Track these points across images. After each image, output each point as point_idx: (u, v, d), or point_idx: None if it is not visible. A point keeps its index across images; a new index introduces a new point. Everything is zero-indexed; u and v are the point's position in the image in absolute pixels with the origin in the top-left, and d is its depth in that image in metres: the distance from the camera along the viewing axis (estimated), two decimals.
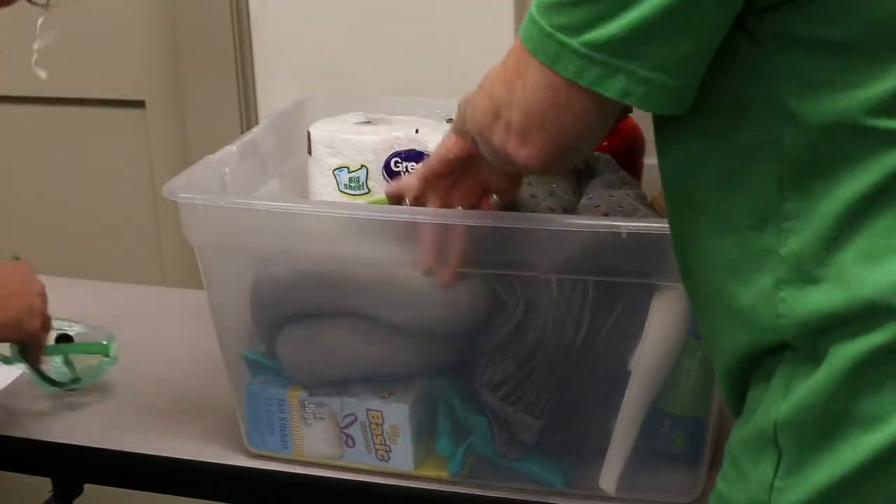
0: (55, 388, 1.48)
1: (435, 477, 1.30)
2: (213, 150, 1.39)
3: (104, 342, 1.50)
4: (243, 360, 1.35)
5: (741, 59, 0.86)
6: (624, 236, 1.12)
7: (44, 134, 2.38)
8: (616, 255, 1.15)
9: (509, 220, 1.20)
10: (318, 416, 1.31)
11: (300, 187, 1.47)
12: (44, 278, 1.85)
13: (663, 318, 1.18)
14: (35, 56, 1.29)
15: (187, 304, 1.72)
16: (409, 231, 1.22)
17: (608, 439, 1.23)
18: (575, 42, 0.85)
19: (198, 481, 1.39)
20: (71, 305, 1.72)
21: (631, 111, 1.41)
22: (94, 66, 2.21)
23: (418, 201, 1.21)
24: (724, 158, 0.89)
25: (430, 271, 1.22)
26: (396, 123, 1.48)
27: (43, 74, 1.30)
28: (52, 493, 1.66)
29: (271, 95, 2.04)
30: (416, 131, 1.41)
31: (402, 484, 1.30)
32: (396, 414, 1.28)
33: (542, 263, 1.18)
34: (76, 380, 1.49)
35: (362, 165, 1.40)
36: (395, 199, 1.23)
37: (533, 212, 1.23)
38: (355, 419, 1.30)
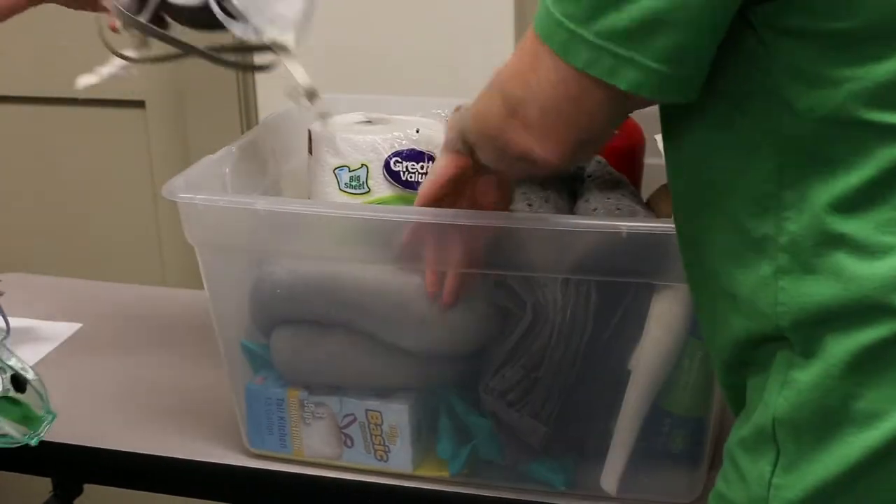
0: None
1: (435, 477, 1.30)
2: (213, 150, 1.39)
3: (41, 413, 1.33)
4: (242, 355, 1.35)
5: (744, 51, 0.86)
6: (624, 236, 1.12)
7: (44, 134, 2.38)
8: (616, 255, 1.15)
9: (510, 221, 1.20)
10: (318, 415, 1.31)
11: (300, 187, 1.46)
12: (44, 278, 1.85)
13: (663, 318, 1.18)
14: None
15: (187, 304, 1.72)
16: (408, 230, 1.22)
17: (609, 439, 1.23)
18: (586, 31, 0.85)
19: (197, 481, 1.39)
20: (71, 305, 1.72)
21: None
22: (94, 67, 2.21)
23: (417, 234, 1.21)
24: (729, 149, 0.89)
25: (436, 294, 1.22)
26: (397, 123, 1.48)
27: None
28: (52, 493, 1.66)
29: (271, 95, 2.04)
30: (417, 131, 1.41)
31: (401, 484, 1.30)
32: (396, 414, 1.28)
33: (542, 265, 1.18)
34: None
35: (363, 165, 1.40)
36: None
37: None
38: (354, 419, 1.30)
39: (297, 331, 1.30)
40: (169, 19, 1.31)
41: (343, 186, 1.40)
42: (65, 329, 1.65)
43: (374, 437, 1.29)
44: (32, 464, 1.47)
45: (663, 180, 1.30)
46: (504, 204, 1.21)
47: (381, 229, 1.24)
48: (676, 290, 1.17)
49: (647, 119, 1.41)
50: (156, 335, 1.64)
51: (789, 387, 0.86)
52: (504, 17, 1.96)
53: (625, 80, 0.85)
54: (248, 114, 2.13)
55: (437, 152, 1.39)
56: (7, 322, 1.60)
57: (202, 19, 1.28)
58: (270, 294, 1.29)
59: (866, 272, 0.83)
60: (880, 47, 0.82)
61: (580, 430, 1.25)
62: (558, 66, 0.87)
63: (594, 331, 1.20)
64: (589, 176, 1.29)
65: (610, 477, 1.24)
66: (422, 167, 1.39)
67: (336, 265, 1.25)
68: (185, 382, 1.52)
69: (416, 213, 1.26)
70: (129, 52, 1.31)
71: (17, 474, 1.53)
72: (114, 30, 1.30)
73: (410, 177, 1.40)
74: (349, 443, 1.31)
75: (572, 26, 0.86)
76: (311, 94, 1.28)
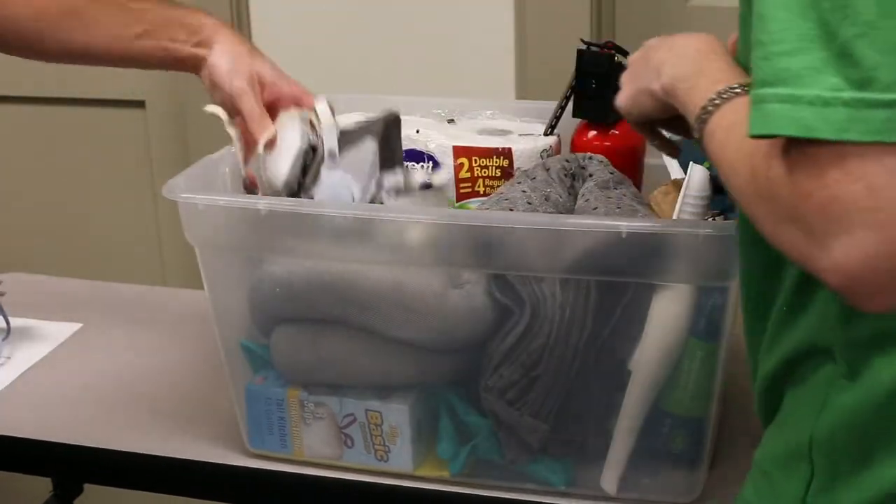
0: None
1: (435, 477, 1.30)
2: (213, 150, 1.39)
3: None
4: (242, 355, 1.35)
5: None
6: (624, 236, 1.12)
7: (44, 134, 2.38)
8: (616, 255, 1.15)
9: (510, 220, 1.20)
10: (318, 416, 1.31)
11: None
12: (44, 278, 1.85)
13: (663, 319, 1.18)
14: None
15: (187, 304, 1.72)
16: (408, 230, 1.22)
17: (609, 439, 1.23)
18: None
19: (197, 481, 1.39)
20: (71, 305, 1.72)
21: None
22: (95, 67, 2.21)
23: None
24: None
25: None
26: None
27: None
28: (52, 493, 1.66)
29: None
30: (417, 131, 1.41)
31: (401, 484, 1.30)
32: (396, 415, 1.28)
33: (542, 264, 1.18)
34: None
35: None
36: None
37: None
38: (354, 419, 1.30)
39: (297, 330, 1.30)
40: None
41: None
42: (65, 329, 1.65)
43: (374, 437, 1.29)
44: (32, 464, 1.47)
45: (663, 180, 1.31)
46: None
47: (381, 229, 1.24)
48: (676, 290, 1.17)
49: None
50: (156, 335, 1.64)
51: (829, 409, 0.85)
52: (504, 17, 1.96)
53: None
54: None
55: (437, 152, 1.39)
56: (7, 322, 1.61)
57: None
58: (270, 293, 1.29)
59: None
60: None
61: (580, 429, 1.25)
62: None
63: (594, 330, 1.20)
64: (590, 175, 1.29)
65: (610, 477, 1.24)
66: (422, 167, 1.39)
67: (334, 263, 1.25)
68: (185, 382, 1.52)
69: (415, 213, 1.26)
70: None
71: (17, 474, 1.53)
72: (250, 179, 1.33)
73: None
74: (349, 443, 1.31)
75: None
76: None
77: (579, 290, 1.18)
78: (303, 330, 1.30)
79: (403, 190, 1.31)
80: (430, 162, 1.39)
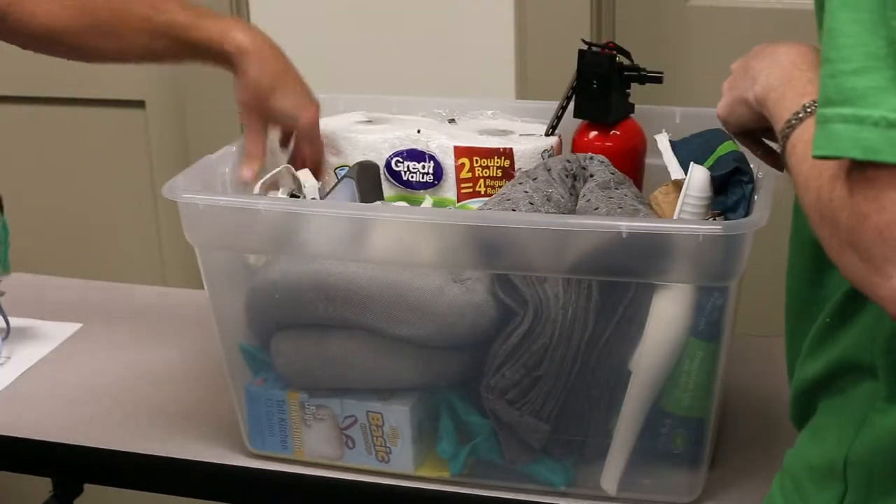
0: None
1: (436, 477, 1.30)
2: (213, 150, 1.39)
3: None
4: (242, 357, 1.35)
5: None
6: (625, 236, 1.12)
7: (44, 134, 2.38)
8: (617, 255, 1.15)
9: (511, 220, 1.20)
10: (318, 417, 1.31)
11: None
12: (44, 278, 1.85)
13: (663, 319, 1.18)
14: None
15: (187, 304, 1.72)
16: (408, 230, 1.22)
17: (609, 439, 1.23)
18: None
19: (198, 481, 1.39)
20: (71, 305, 1.72)
21: (633, 111, 1.41)
22: (95, 67, 2.21)
23: None
24: None
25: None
26: (397, 123, 1.48)
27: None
28: (52, 493, 1.66)
29: None
30: (418, 131, 1.41)
31: (402, 484, 1.30)
32: (397, 415, 1.28)
33: (543, 264, 1.18)
34: None
35: None
36: None
37: None
38: (355, 420, 1.30)
39: (298, 335, 1.29)
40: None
41: None
42: (65, 329, 1.65)
43: (375, 438, 1.29)
44: (32, 464, 1.47)
45: (664, 180, 1.31)
46: None
47: (381, 229, 1.24)
48: (677, 290, 1.17)
49: (649, 119, 1.42)
50: (156, 335, 1.64)
51: (868, 430, 0.84)
52: (504, 17, 1.96)
53: None
54: None
55: (438, 152, 1.39)
56: (7, 322, 1.61)
57: None
58: (268, 299, 1.29)
59: None
60: None
61: (580, 429, 1.25)
62: None
63: (595, 330, 1.20)
64: (591, 176, 1.29)
65: (610, 477, 1.24)
66: (423, 167, 1.39)
67: (331, 263, 1.25)
68: (186, 382, 1.52)
69: (416, 213, 1.26)
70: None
71: (17, 474, 1.53)
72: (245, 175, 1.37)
73: (412, 176, 1.40)
74: (350, 444, 1.31)
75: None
76: None
77: (581, 291, 1.18)
78: (303, 335, 1.29)
79: None
80: (431, 162, 1.39)
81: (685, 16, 1.97)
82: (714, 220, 1.23)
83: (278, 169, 1.38)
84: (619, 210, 1.22)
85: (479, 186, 1.39)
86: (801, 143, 0.82)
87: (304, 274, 1.26)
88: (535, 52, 1.96)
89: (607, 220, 1.18)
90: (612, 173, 1.29)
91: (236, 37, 1.35)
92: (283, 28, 2.05)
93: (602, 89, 1.37)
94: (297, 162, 1.40)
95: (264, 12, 2.06)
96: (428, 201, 1.39)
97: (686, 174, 1.24)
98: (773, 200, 1.15)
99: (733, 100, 0.99)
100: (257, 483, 1.36)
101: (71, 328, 1.65)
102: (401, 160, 1.40)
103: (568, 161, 1.31)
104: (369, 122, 1.49)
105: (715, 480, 1.28)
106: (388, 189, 1.41)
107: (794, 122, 0.84)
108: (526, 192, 1.25)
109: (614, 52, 1.38)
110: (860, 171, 0.70)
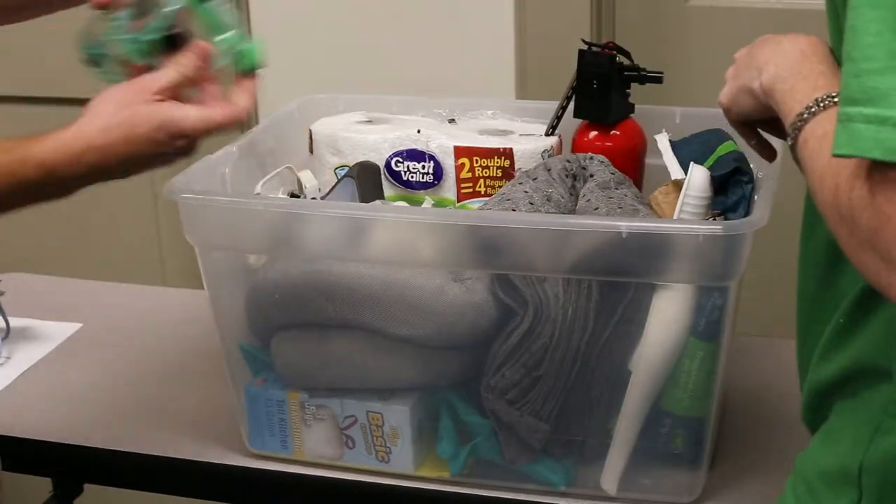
0: None
1: (436, 477, 1.30)
2: (213, 150, 1.39)
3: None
4: (242, 357, 1.35)
5: None
6: (624, 236, 1.12)
7: None
8: (617, 255, 1.15)
9: (511, 220, 1.20)
10: (319, 417, 1.31)
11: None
12: (44, 278, 1.85)
13: (663, 319, 1.18)
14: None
15: (187, 304, 1.72)
16: (408, 230, 1.22)
17: (609, 439, 1.23)
18: None
19: (198, 481, 1.39)
20: (71, 305, 1.72)
21: (633, 111, 1.41)
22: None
23: None
24: None
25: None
26: (397, 123, 1.48)
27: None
28: (52, 493, 1.66)
29: (271, 95, 2.04)
30: (418, 131, 1.41)
31: (402, 484, 1.30)
32: (397, 416, 1.28)
33: (543, 264, 1.18)
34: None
35: None
36: None
37: None
38: (355, 420, 1.30)
39: (298, 335, 1.30)
40: None
41: None
42: (65, 329, 1.65)
43: (375, 438, 1.29)
44: (32, 464, 1.47)
45: (664, 180, 1.31)
46: None
47: (381, 229, 1.24)
48: (676, 290, 1.17)
49: (649, 119, 1.42)
50: (156, 335, 1.64)
51: (884, 437, 0.84)
52: (504, 17, 1.96)
53: None
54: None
55: (438, 152, 1.39)
56: (7, 322, 1.61)
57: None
58: (268, 299, 1.29)
59: None
60: None
61: (580, 429, 1.26)
62: None
63: (595, 330, 1.20)
64: (591, 175, 1.29)
65: (610, 477, 1.24)
66: (423, 167, 1.39)
67: (331, 263, 1.25)
68: (186, 382, 1.52)
69: (416, 213, 1.26)
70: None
71: (17, 474, 1.53)
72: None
73: (412, 176, 1.40)
74: (350, 444, 1.31)
75: None
76: None
77: (581, 291, 1.18)
78: (304, 335, 1.29)
79: None
80: (431, 162, 1.39)
81: (685, 16, 1.97)
82: (714, 220, 1.23)
83: (278, 169, 1.38)
84: (619, 210, 1.22)
85: (479, 186, 1.39)
86: (814, 139, 0.81)
87: (304, 274, 1.26)
88: (535, 52, 1.96)
89: (607, 220, 1.18)
90: (612, 173, 1.29)
91: None
92: (283, 28, 2.05)
93: (602, 89, 1.38)
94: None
95: (264, 12, 2.06)
96: (428, 201, 1.40)
97: (686, 174, 1.24)
98: (773, 200, 1.15)
99: (737, 89, 0.98)
100: (257, 483, 1.36)
101: (71, 328, 1.65)
102: (401, 160, 1.40)
103: (568, 161, 1.31)
104: (369, 122, 1.49)
105: (715, 480, 1.28)
106: (388, 189, 1.41)
107: (806, 115, 0.83)
108: (526, 192, 1.25)
109: (614, 52, 1.38)
110: (881, 171, 0.70)
